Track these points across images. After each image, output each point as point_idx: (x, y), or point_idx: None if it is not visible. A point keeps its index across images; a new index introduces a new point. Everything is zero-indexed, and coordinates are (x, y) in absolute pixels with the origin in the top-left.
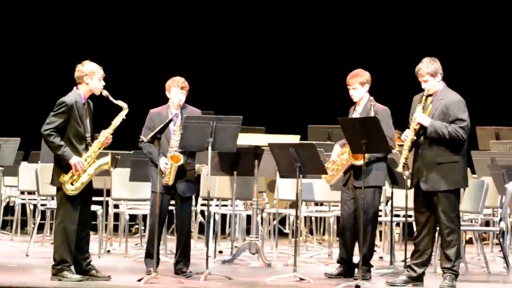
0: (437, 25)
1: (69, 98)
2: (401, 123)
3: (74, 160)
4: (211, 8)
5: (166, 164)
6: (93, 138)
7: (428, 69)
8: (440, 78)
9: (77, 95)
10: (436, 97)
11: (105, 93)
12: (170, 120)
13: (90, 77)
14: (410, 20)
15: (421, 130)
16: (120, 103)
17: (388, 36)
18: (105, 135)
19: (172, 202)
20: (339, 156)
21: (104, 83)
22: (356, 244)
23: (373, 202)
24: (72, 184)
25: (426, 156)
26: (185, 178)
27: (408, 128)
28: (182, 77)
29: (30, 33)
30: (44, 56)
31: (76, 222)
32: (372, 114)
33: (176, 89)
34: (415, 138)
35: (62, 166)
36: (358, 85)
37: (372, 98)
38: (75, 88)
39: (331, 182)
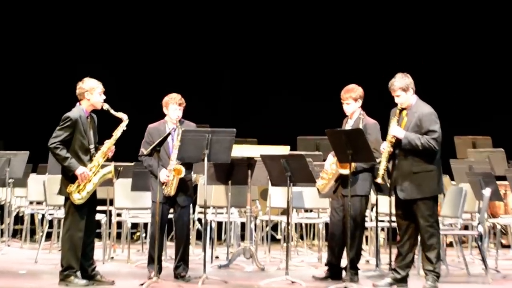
0: (419, 40)
1: (73, 113)
2: None
3: (79, 170)
4: (202, 26)
5: (168, 176)
6: (97, 150)
7: (400, 84)
8: (412, 93)
9: (80, 110)
10: (410, 111)
11: (106, 106)
12: (169, 134)
13: (91, 92)
14: (397, 33)
15: (397, 142)
16: (120, 114)
17: (377, 49)
18: (108, 145)
19: (171, 210)
20: (331, 165)
21: (104, 97)
22: (344, 249)
23: (360, 210)
24: (79, 193)
25: (402, 167)
26: (183, 188)
27: (385, 140)
28: (178, 93)
29: (38, 52)
30: (52, 74)
31: (82, 230)
32: (361, 127)
33: (174, 105)
34: (391, 150)
35: (69, 176)
36: (352, 100)
37: (363, 112)
38: (78, 103)
39: (324, 191)
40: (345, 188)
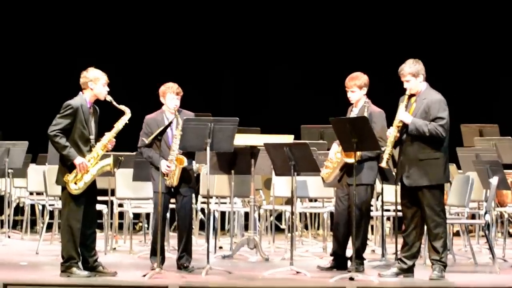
0: (425, 29)
1: (75, 101)
2: None
3: (78, 160)
4: (204, 15)
5: (169, 166)
6: (97, 141)
7: (410, 70)
8: (422, 79)
9: (82, 99)
10: (419, 97)
11: (109, 98)
12: (170, 123)
13: (95, 82)
14: (401, 21)
15: (404, 128)
16: (123, 107)
17: (382, 37)
18: (108, 137)
19: (173, 200)
20: (335, 154)
21: (108, 89)
22: (350, 238)
23: (366, 199)
24: (75, 183)
25: (408, 153)
26: (185, 178)
27: (392, 126)
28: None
29: (37, 41)
30: (50, 64)
31: (80, 220)
32: (366, 116)
33: (172, 95)
34: (398, 135)
35: (66, 166)
36: (356, 88)
37: (368, 100)
38: (80, 93)
39: (329, 180)
40: (350, 177)
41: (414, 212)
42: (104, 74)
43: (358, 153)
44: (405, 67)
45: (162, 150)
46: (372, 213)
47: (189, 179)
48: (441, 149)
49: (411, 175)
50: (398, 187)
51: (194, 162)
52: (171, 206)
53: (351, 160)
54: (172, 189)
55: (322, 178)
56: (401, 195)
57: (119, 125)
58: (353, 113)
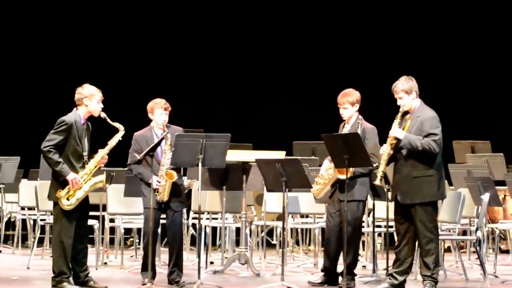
0: (418, 45)
1: (69, 117)
2: None
3: (71, 176)
4: (197, 31)
5: (159, 181)
6: (90, 158)
7: (403, 87)
8: (415, 96)
9: (77, 116)
10: (413, 115)
11: (103, 115)
12: (162, 139)
13: (89, 99)
14: (394, 38)
15: (397, 144)
16: (116, 124)
17: (375, 54)
18: (102, 154)
19: (163, 216)
20: (327, 170)
21: (102, 106)
22: (341, 254)
23: (357, 215)
24: (68, 199)
25: (402, 171)
26: (175, 193)
27: (385, 143)
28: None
29: (30, 57)
30: (44, 79)
31: (72, 236)
32: (359, 132)
33: (160, 110)
34: (391, 152)
35: (59, 181)
36: (349, 105)
37: (360, 117)
38: (75, 109)
39: (319, 196)
40: (342, 193)
41: (406, 228)
42: (99, 91)
43: (351, 169)
44: (398, 84)
45: (152, 166)
46: (363, 229)
47: (179, 194)
48: (434, 166)
49: (405, 192)
50: (390, 204)
51: (185, 178)
52: (162, 221)
53: (343, 177)
54: (163, 205)
55: (313, 194)
56: (395, 211)
57: (113, 142)
58: (346, 129)
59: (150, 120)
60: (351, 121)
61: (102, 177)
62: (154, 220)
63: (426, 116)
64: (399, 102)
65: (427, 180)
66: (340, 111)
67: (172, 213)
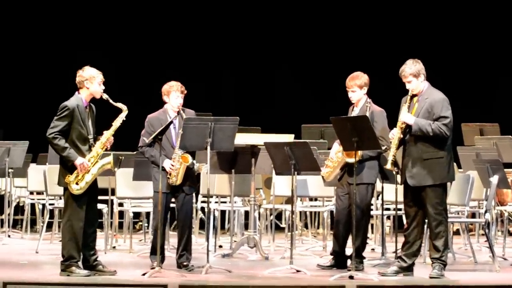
0: (425, 28)
1: (71, 102)
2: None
3: (79, 161)
4: (205, 14)
5: (173, 165)
6: (96, 140)
7: (411, 70)
8: (423, 79)
9: (79, 99)
10: (422, 97)
11: (105, 96)
12: (171, 122)
13: (90, 81)
14: (401, 21)
15: (407, 128)
16: (119, 105)
17: (382, 37)
18: (107, 136)
19: (173, 200)
20: (336, 153)
21: (104, 87)
22: (349, 237)
23: (366, 198)
24: (77, 183)
25: (412, 153)
26: (187, 177)
27: (395, 127)
28: (182, 81)
29: (37, 40)
30: (51, 63)
31: (82, 219)
32: (367, 115)
33: (176, 93)
34: (401, 136)
35: (67, 167)
36: (357, 88)
37: (369, 100)
38: (76, 92)
39: (329, 179)
40: (351, 176)
41: (416, 211)
42: (100, 73)
43: (360, 152)
44: (406, 68)
45: (166, 149)
46: (372, 212)
47: (192, 177)
48: (445, 148)
49: (415, 175)
50: (399, 187)
51: (194, 161)
52: (171, 205)
53: (352, 160)
54: (175, 188)
55: (323, 177)
56: (404, 194)
57: (117, 123)
58: (354, 112)
59: (159, 102)
60: (360, 104)
61: (110, 158)
62: (164, 204)
63: (436, 98)
64: (408, 86)
65: (437, 162)
66: (348, 94)
67: (183, 196)
